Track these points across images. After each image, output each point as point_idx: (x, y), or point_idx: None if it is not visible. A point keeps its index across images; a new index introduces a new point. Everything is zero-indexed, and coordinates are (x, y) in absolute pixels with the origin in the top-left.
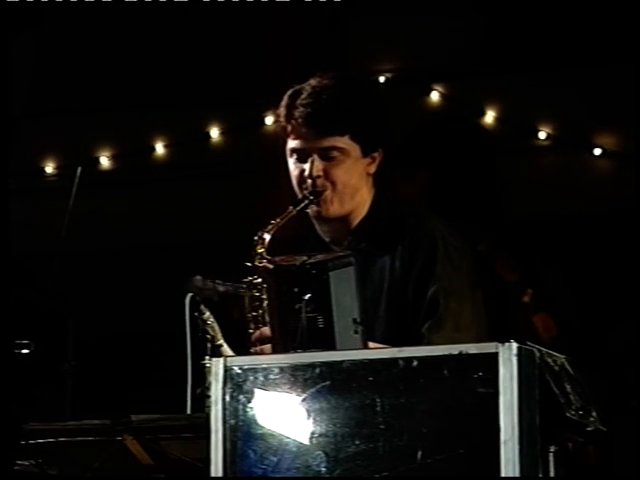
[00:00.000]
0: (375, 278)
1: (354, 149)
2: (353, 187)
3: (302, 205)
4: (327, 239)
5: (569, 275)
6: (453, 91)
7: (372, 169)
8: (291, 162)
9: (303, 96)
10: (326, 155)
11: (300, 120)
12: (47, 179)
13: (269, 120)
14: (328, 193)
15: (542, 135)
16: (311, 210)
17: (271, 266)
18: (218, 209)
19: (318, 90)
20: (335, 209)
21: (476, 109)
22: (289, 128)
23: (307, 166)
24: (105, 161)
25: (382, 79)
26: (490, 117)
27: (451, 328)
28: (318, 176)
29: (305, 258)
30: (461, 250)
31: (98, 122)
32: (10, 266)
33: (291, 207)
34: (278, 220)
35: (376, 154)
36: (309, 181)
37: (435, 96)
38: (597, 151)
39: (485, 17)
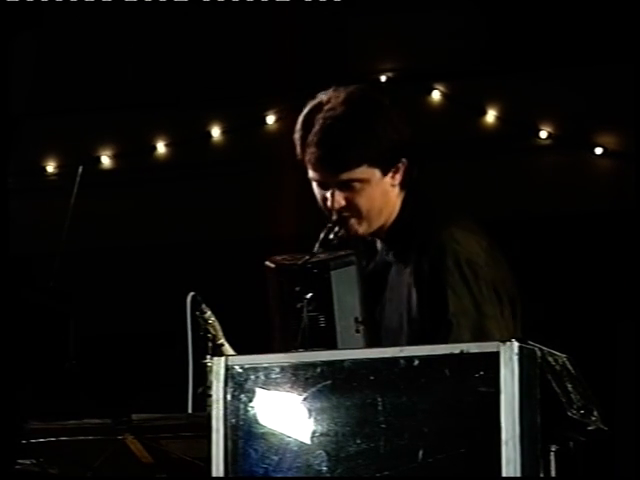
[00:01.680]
0: (399, 291)
1: (373, 174)
2: (378, 209)
3: (331, 233)
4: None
5: (569, 275)
6: (454, 90)
7: (397, 180)
8: (313, 185)
9: (315, 130)
10: (346, 186)
11: (313, 160)
12: (48, 178)
13: (270, 119)
14: (354, 221)
15: (543, 134)
16: (342, 233)
17: (272, 265)
18: (219, 208)
19: (330, 124)
20: (363, 230)
21: (477, 108)
22: (305, 160)
23: (328, 195)
24: (106, 160)
25: (383, 78)
26: (491, 116)
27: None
28: (340, 207)
29: (307, 257)
30: (478, 262)
31: (99, 121)
32: (10, 266)
33: (322, 235)
34: (316, 250)
35: (399, 165)
36: (333, 211)
37: (436, 95)
38: (598, 150)
39: (486, 17)
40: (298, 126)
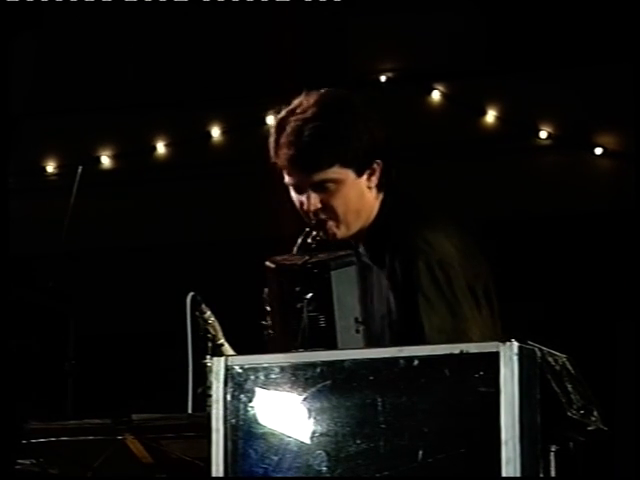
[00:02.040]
0: (380, 290)
1: (347, 174)
2: (355, 210)
3: (310, 237)
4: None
5: (569, 274)
6: (454, 90)
7: (373, 182)
8: (291, 191)
9: (287, 133)
10: (320, 187)
11: (285, 162)
12: (48, 178)
13: (270, 120)
14: (331, 223)
15: (543, 134)
16: (321, 236)
17: (273, 265)
18: (219, 208)
19: (300, 125)
20: (342, 233)
21: (477, 108)
22: (279, 164)
23: (304, 199)
24: (106, 160)
25: (383, 78)
26: (491, 116)
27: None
28: (316, 209)
29: (307, 257)
30: (449, 263)
31: (99, 121)
32: (10, 266)
33: (299, 240)
34: (295, 250)
35: (374, 166)
36: (310, 214)
37: (436, 95)
38: (598, 150)
39: (486, 17)
40: (272, 130)
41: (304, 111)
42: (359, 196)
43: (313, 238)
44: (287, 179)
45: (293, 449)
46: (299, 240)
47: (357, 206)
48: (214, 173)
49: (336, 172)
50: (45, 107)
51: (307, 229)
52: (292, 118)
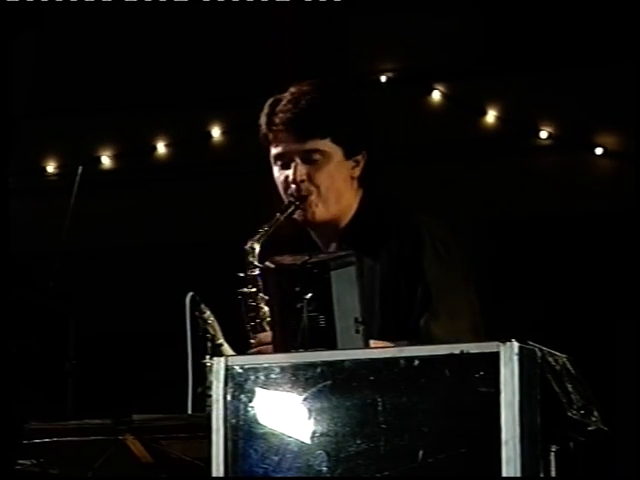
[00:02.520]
0: (368, 278)
1: (336, 152)
2: (337, 191)
3: (289, 211)
4: (319, 244)
5: (569, 274)
6: (454, 90)
7: (356, 172)
8: (275, 170)
9: (283, 102)
10: (308, 158)
11: (281, 126)
12: (48, 178)
13: None
14: (313, 198)
15: (543, 134)
16: (298, 216)
17: (272, 265)
18: (219, 208)
19: (297, 96)
20: (321, 213)
21: (477, 108)
22: (271, 136)
23: (290, 171)
24: (106, 160)
25: (383, 78)
26: (491, 116)
27: (446, 318)
28: (302, 180)
29: (306, 257)
30: (448, 241)
31: (99, 122)
32: (10, 266)
33: (278, 214)
34: (266, 228)
35: (359, 157)
36: (293, 186)
37: (436, 95)
38: (598, 150)
39: (486, 17)
40: (264, 109)
41: (301, 88)
42: (344, 179)
43: (289, 214)
44: (275, 150)
45: (293, 449)
46: (277, 215)
47: (340, 188)
48: (214, 173)
49: (327, 145)
50: (45, 107)
51: (289, 200)
52: (288, 94)
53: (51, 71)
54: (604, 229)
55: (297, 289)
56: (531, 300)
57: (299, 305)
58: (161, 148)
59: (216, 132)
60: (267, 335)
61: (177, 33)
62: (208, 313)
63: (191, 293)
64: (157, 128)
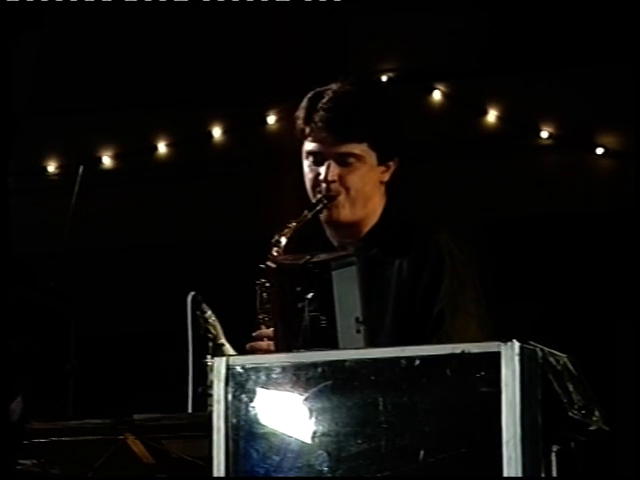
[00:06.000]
0: (382, 288)
1: (371, 156)
2: (366, 194)
3: (317, 209)
4: (335, 243)
5: (569, 274)
6: (455, 90)
7: (386, 177)
8: (306, 164)
9: (324, 100)
10: (342, 161)
11: (320, 124)
12: (49, 178)
13: (271, 119)
14: (341, 198)
15: (544, 134)
16: (323, 215)
17: (274, 265)
18: (220, 208)
19: (340, 95)
20: (347, 214)
21: (478, 108)
22: (307, 130)
23: (322, 170)
24: (107, 160)
25: (384, 78)
26: (492, 116)
27: (458, 342)
28: (333, 181)
29: (308, 257)
30: (467, 264)
31: (100, 121)
32: (10, 266)
33: (306, 211)
34: (294, 224)
35: (391, 163)
36: (323, 185)
37: (437, 95)
38: (599, 150)
39: (487, 17)
40: (304, 102)
41: (344, 87)
42: (373, 183)
43: (316, 213)
44: (310, 147)
45: (294, 449)
46: (305, 212)
47: (369, 192)
48: (215, 173)
49: (363, 150)
50: (46, 107)
51: (319, 197)
52: (330, 91)
53: (52, 71)
54: (604, 229)
55: (298, 289)
56: (531, 300)
57: (300, 305)
58: (162, 148)
59: (217, 132)
60: (270, 330)
61: (178, 33)
62: (209, 313)
63: (193, 293)
64: (158, 128)
